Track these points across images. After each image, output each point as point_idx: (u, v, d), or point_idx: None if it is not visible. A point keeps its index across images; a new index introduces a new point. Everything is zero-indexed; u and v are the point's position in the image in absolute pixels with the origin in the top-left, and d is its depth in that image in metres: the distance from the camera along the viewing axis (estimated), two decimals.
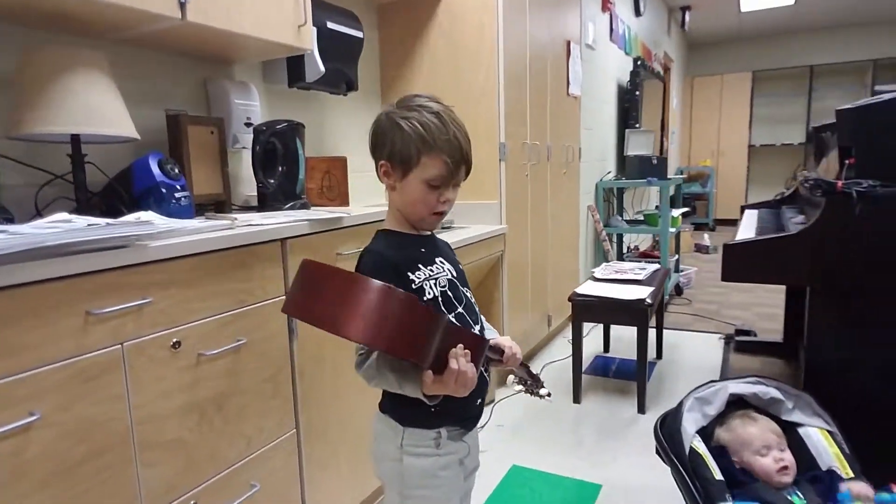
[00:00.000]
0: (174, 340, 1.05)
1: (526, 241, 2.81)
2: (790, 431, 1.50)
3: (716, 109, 8.03)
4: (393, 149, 0.98)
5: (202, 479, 1.14)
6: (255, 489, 1.25)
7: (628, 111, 4.46)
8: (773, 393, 1.55)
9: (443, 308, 1.00)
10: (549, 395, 1.16)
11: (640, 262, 3.22)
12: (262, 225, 1.27)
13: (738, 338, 3.14)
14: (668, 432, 1.54)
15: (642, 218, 4.31)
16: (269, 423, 1.30)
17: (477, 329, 1.06)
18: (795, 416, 1.53)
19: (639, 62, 4.42)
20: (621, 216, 4.29)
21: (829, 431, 1.48)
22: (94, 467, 0.93)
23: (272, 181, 1.61)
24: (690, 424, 1.51)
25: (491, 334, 1.11)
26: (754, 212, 2.81)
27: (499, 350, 1.03)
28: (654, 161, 3.81)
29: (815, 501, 1.33)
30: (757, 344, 3.08)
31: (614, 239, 4.14)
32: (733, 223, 8.04)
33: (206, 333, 1.12)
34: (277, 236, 1.28)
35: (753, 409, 1.56)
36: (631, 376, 2.74)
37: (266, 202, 1.61)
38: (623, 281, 2.58)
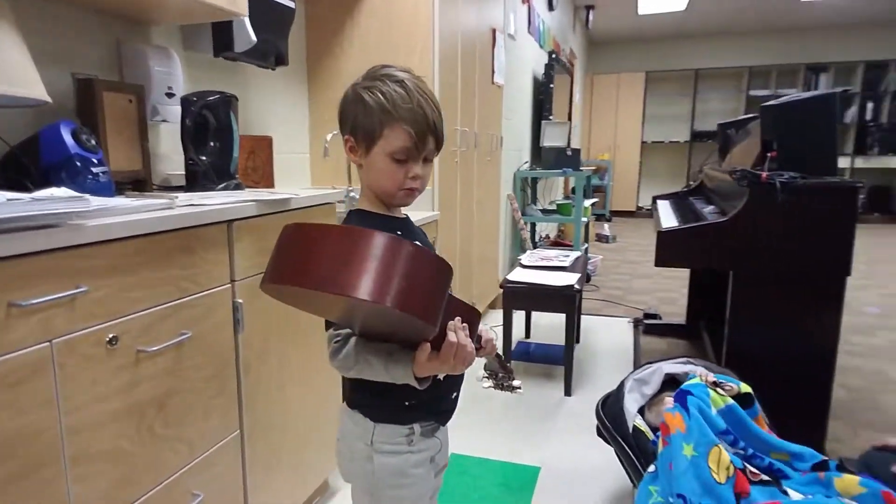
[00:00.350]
0: (111, 336, 0.91)
1: (455, 229, 2.80)
2: None
3: (613, 106, 8.49)
4: (356, 122, 0.92)
5: (141, 493, 1.00)
6: (198, 499, 1.13)
7: (542, 103, 4.58)
8: (701, 370, 1.65)
9: None
10: (520, 387, 1.15)
11: (553, 250, 3.32)
12: (205, 205, 1.13)
13: (646, 321, 3.34)
14: (610, 413, 1.59)
15: (555, 208, 4.46)
16: (213, 425, 1.18)
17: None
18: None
19: (553, 56, 4.54)
20: (535, 205, 4.41)
21: None
22: (18, 489, 0.78)
23: (204, 158, 1.45)
24: (632, 404, 1.57)
25: None
26: (666, 202, 2.99)
27: (477, 337, 0.99)
28: (569, 153, 3.95)
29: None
30: (663, 326, 3.30)
31: (527, 228, 4.25)
32: (629, 214, 8.59)
33: (147, 327, 0.98)
34: (223, 218, 1.16)
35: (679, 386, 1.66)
36: (553, 360, 2.83)
37: (196, 181, 1.45)
38: (550, 268, 2.65)
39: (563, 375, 2.49)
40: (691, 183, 3.15)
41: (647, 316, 3.40)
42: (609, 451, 1.86)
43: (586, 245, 4.48)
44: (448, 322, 0.80)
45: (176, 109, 1.52)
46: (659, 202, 3.00)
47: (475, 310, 0.86)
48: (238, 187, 1.53)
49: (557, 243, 4.73)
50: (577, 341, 3.13)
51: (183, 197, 1.19)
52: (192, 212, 1.07)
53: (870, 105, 7.62)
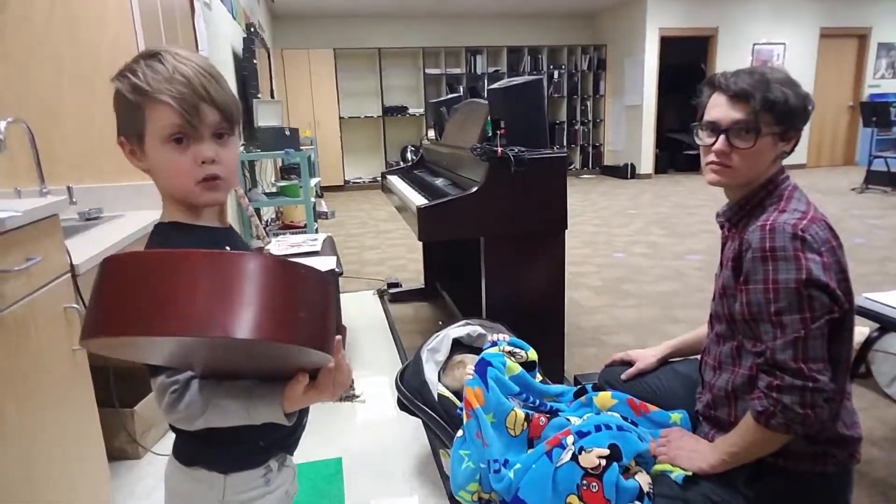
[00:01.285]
0: None
1: None
2: None
3: (307, 82, 8.46)
4: (120, 119, 0.78)
5: None
6: None
7: (247, 80, 4.30)
8: (479, 330, 1.86)
9: None
10: (360, 395, 1.12)
11: (297, 235, 3.23)
12: None
13: (390, 290, 3.54)
14: (412, 386, 1.68)
15: (277, 190, 4.30)
16: None
17: None
18: None
19: (252, 29, 4.27)
20: (258, 189, 4.17)
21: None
22: None
23: None
24: (432, 374, 1.68)
25: None
26: (396, 177, 3.17)
27: None
28: (288, 132, 3.83)
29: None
30: (406, 292, 3.54)
31: (255, 214, 4.01)
32: (339, 189, 8.79)
33: None
34: None
35: (466, 347, 1.84)
36: None
37: None
38: (304, 254, 2.57)
39: None
40: (413, 158, 3.40)
41: (390, 285, 3.60)
42: (407, 422, 1.96)
43: (316, 224, 4.46)
44: None
45: None
46: (390, 177, 3.17)
47: (342, 324, 0.79)
48: None
49: (288, 226, 4.59)
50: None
51: None
52: None
53: None
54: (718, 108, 1.13)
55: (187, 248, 0.71)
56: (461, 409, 1.54)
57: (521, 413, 1.40)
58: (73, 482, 1.31)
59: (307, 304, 0.59)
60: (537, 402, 1.53)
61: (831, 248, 1.06)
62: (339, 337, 0.70)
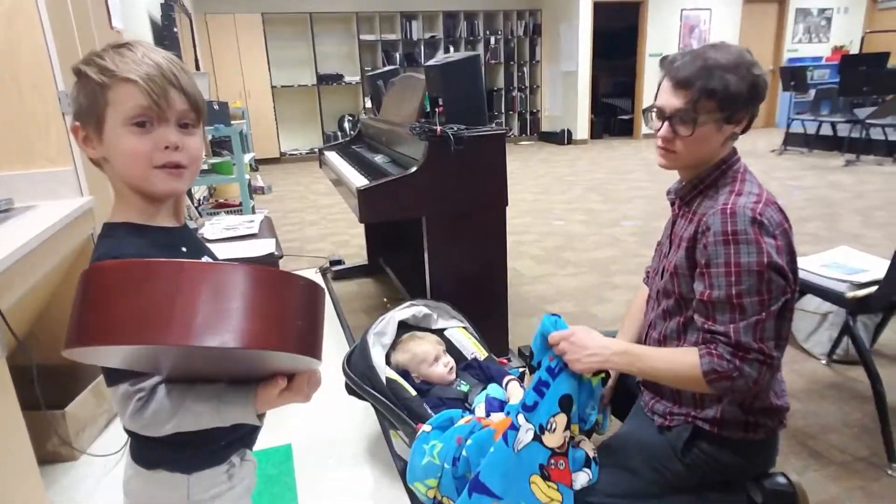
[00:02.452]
0: None
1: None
2: (440, 336, 1.86)
3: (235, 50, 8.04)
4: (78, 103, 0.75)
5: None
6: None
7: (168, 50, 4.03)
8: (424, 310, 1.86)
9: None
10: None
11: (233, 216, 3.12)
12: None
13: (333, 268, 3.49)
14: (359, 371, 1.67)
15: (208, 167, 4.10)
16: None
17: None
18: (441, 324, 1.89)
19: None
20: None
21: (464, 327, 1.90)
22: None
23: None
24: (379, 358, 1.68)
25: None
26: (334, 153, 3.09)
27: None
28: (216, 107, 3.64)
29: (473, 382, 1.71)
30: (349, 270, 3.50)
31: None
32: (275, 161, 8.49)
33: None
34: None
35: (412, 328, 1.85)
36: None
37: None
38: (241, 237, 2.49)
39: None
40: (351, 133, 3.32)
41: (333, 263, 3.54)
42: (355, 405, 1.95)
43: (252, 201, 4.30)
44: None
45: None
46: (328, 154, 3.09)
47: None
48: None
49: (223, 205, 4.41)
50: None
51: None
52: None
53: (451, 49, 9.15)
54: (664, 95, 1.16)
55: (142, 250, 0.74)
56: (407, 389, 1.55)
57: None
58: (1, 493, 1.24)
59: (300, 313, 0.62)
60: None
61: (784, 231, 1.10)
62: None
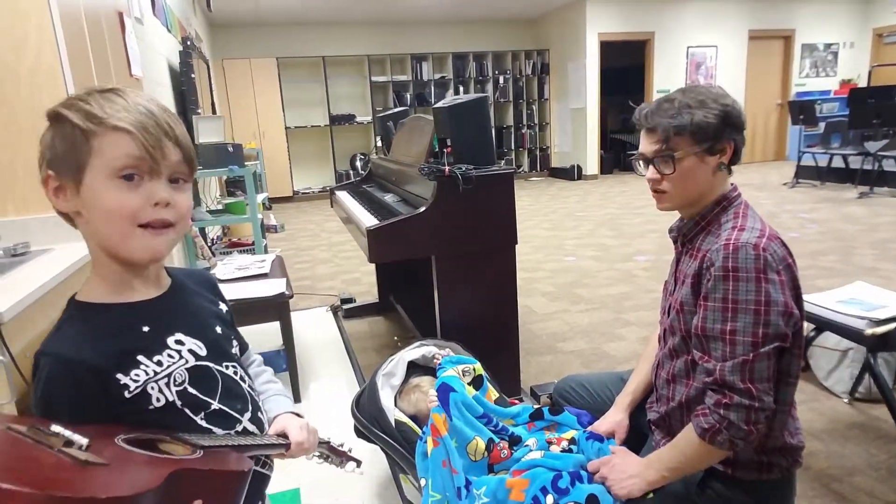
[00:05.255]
0: None
1: None
2: None
3: (250, 92, 8.27)
4: (53, 149, 0.69)
5: None
6: None
7: (186, 95, 4.16)
8: (434, 350, 1.84)
9: (188, 413, 0.74)
10: (359, 465, 1.09)
11: (245, 256, 3.14)
12: None
13: (343, 306, 3.48)
14: (368, 413, 1.65)
15: (222, 207, 4.17)
16: None
17: (247, 416, 0.81)
18: None
19: (189, 42, 4.13)
20: (201, 208, 4.04)
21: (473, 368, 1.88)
22: None
23: None
24: (388, 400, 1.66)
25: (279, 403, 0.93)
26: (345, 192, 3.12)
27: (283, 436, 0.85)
28: (231, 148, 3.72)
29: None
30: (360, 308, 3.49)
31: (199, 234, 3.88)
32: (287, 200, 8.61)
33: None
34: None
35: (422, 369, 1.83)
36: (275, 368, 2.71)
37: None
38: (251, 277, 2.50)
39: (290, 383, 2.43)
40: (362, 173, 3.37)
41: (344, 301, 3.54)
42: (364, 447, 1.92)
43: (265, 240, 4.35)
44: None
45: None
46: (338, 194, 3.12)
47: (230, 472, 0.65)
48: None
49: (236, 244, 4.46)
50: None
51: None
52: None
53: (461, 88, 9.33)
54: (642, 142, 1.22)
55: (81, 346, 0.68)
56: (424, 437, 1.51)
57: (482, 443, 1.39)
58: None
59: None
60: (498, 424, 1.51)
61: (787, 266, 1.09)
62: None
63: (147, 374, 0.71)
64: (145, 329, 0.74)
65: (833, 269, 3.76)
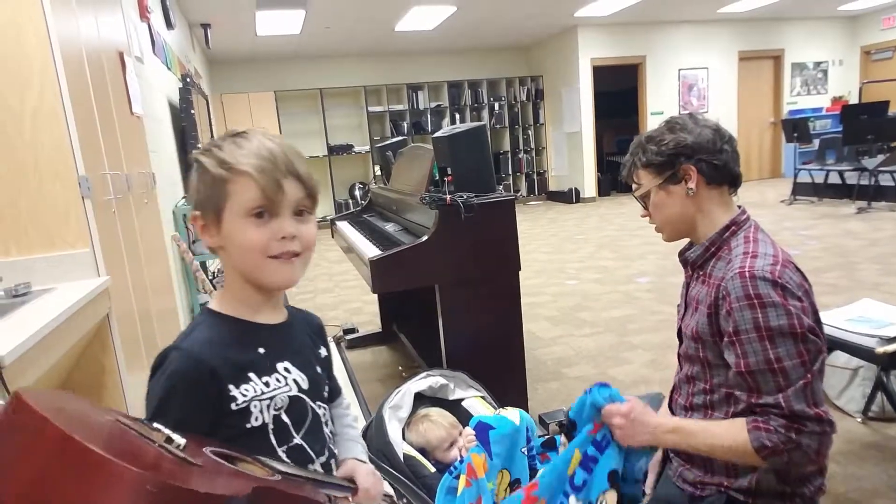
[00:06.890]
0: None
1: (129, 290, 2.34)
2: (457, 408, 1.80)
3: (248, 126, 8.32)
4: (199, 194, 0.79)
5: None
6: None
7: (186, 131, 4.19)
8: (440, 381, 1.82)
9: (273, 441, 0.77)
10: None
11: None
12: None
13: (346, 336, 3.46)
14: (376, 446, 1.62)
15: None
16: None
17: (321, 460, 0.83)
18: (458, 394, 1.84)
19: (188, 79, 4.18)
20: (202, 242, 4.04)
21: (482, 397, 1.85)
22: None
23: None
24: (395, 433, 1.63)
25: (351, 448, 0.93)
26: (346, 223, 3.13)
27: (350, 481, 0.86)
28: None
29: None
30: (363, 338, 3.46)
31: (199, 267, 3.86)
32: None
33: None
34: None
35: (429, 400, 1.80)
36: None
37: None
38: None
39: None
40: (362, 202, 3.38)
41: (346, 331, 3.51)
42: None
43: None
44: None
45: None
46: (339, 224, 3.13)
47: (308, 500, 0.66)
48: None
49: None
50: None
51: None
52: None
53: (457, 116, 9.43)
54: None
55: (213, 342, 0.75)
56: (455, 472, 1.45)
57: (507, 476, 1.37)
58: None
59: None
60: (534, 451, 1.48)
61: (805, 292, 1.07)
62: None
63: (255, 391, 0.76)
64: (261, 350, 0.80)
65: (837, 286, 3.74)
